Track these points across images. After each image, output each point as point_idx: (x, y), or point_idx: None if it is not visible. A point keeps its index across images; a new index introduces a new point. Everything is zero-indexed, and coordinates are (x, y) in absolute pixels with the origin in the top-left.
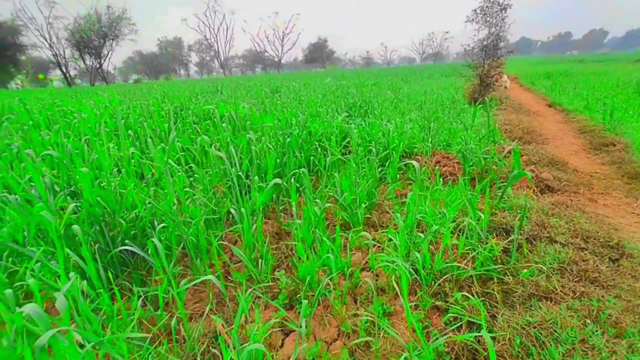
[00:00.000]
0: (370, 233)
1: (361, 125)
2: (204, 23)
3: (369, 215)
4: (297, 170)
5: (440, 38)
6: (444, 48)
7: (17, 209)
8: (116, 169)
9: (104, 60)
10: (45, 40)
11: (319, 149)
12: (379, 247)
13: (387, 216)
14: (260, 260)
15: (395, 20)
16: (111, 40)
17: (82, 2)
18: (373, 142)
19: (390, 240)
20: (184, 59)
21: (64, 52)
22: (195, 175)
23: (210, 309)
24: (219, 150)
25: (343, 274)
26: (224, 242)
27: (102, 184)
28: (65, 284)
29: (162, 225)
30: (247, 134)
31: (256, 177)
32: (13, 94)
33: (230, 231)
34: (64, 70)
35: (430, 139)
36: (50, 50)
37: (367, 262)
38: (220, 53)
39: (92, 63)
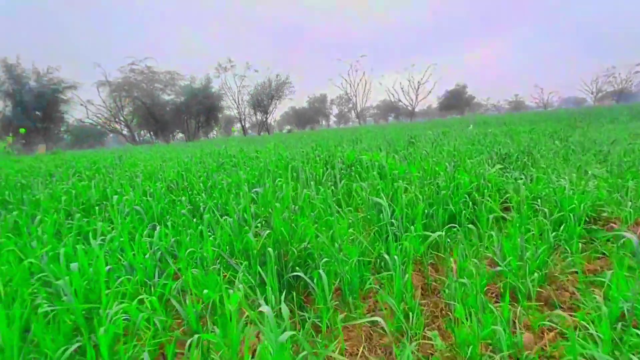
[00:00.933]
0: (543, 311)
1: (521, 179)
2: (346, 80)
3: (540, 289)
4: (452, 225)
5: (628, 72)
6: (633, 84)
7: (231, 229)
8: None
9: (269, 115)
10: (235, 102)
11: (469, 202)
12: (559, 332)
13: (566, 294)
14: (411, 314)
15: (551, 58)
16: (276, 100)
17: (260, 73)
18: (539, 200)
19: (578, 327)
20: (327, 111)
21: (244, 110)
22: (350, 219)
23: (362, 351)
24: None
25: (514, 357)
26: (373, 286)
27: (283, 217)
28: (263, 294)
29: (325, 259)
30: (394, 181)
31: (408, 226)
32: (215, 142)
33: (376, 278)
34: (242, 124)
35: (629, 203)
36: (237, 110)
37: (545, 348)
38: (357, 105)
39: (261, 117)
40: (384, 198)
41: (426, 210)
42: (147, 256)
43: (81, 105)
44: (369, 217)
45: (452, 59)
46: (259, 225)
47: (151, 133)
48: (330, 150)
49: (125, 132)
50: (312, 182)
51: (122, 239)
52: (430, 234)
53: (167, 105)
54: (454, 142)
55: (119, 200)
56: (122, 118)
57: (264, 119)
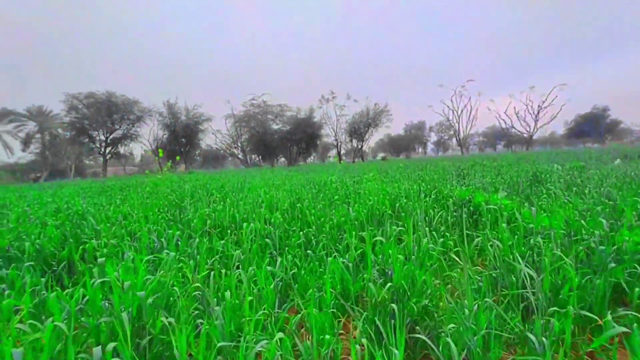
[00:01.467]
0: None
1: None
2: (448, 107)
3: None
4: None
5: None
6: None
7: (348, 272)
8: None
9: (365, 142)
10: (333, 130)
11: None
12: None
13: None
14: None
15: None
16: (372, 128)
17: (359, 103)
18: None
19: None
20: (424, 139)
21: (340, 137)
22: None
23: None
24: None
25: None
26: None
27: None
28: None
29: (452, 325)
30: (525, 233)
31: (554, 298)
32: (313, 167)
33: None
34: (338, 150)
35: None
36: (334, 137)
37: None
38: (460, 131)
39: (356, 145)
40: (519, 258)
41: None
42: (272, 286)
43: (212, 133)
44: (496, 276)
45: (581, 77)
46: (375, 272)
47: (260, 157)
48: (436, 185)
49: (240, 155)
50: (424, 226)
51: (253, 268)
52: (590, 314)
53: (276, 134)
54: (598, 182)
55: (247, 227)
56: (239, 144)
57: (359, 146)
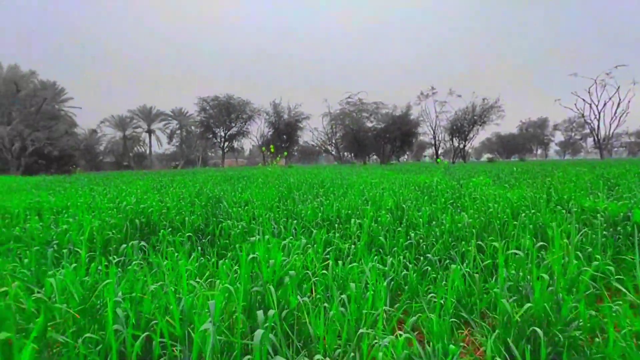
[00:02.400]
0: None
1: None
2: (584, 100)
3: None
4: None
5: None
6: None
7: (472, 281)
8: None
9: (468, 142)
10: (431, 128)
11: None
12: None
13: None
14: None
15: None
16: (478, 126)
17: (463, 99)
18: None
19: None
20: (545, 139)
21: (439, 136)
22: None
23: None
24: None
25: None
26: None
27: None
28: None
29: None
30: None
31: None
32: (407, 167)
33: None
34: (436, 149)
35: None
36: (432, 136)
37: None
38: (599, 130)
39: (457, 144)
40: None
41: None
42: (384, 284)
43: (310, 131)
44: None
45: None
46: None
47: (352, 154)
48: (572, 196)
49: (333, 152)
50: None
51: (361, 263)
52: None
53: (369, 131)
54: None
55: (354, 223)
56: (333, 141)
57: (461, 146)
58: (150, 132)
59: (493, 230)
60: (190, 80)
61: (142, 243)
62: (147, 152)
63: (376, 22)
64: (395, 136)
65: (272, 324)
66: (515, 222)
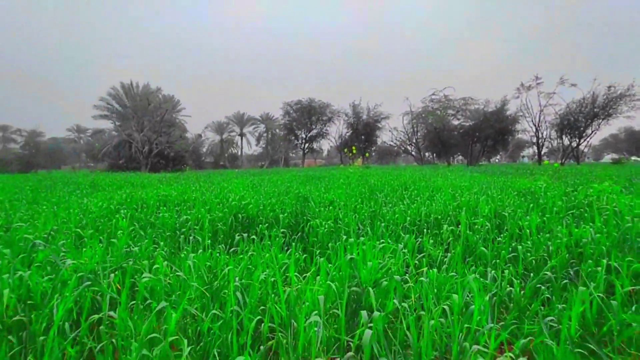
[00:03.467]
0: None
1: None
2: None
3: None
4: None
5: None
6: None
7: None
8: None
9: (584, 139)
10: (534, 125)
11: None
12: None
13: None
14: None
15: None
16: (600, 120)
17: (579, 88)
18: None
19: None
20: None
21: (544, 133)
22: None
23: None
24: None
25: None
26: None
27: None
28: None
29: None
30: None
31: None
32: (506, 167)
33: None
34: (539, 148)
35: None
36: (535, 134)
37: None
38: None
39: (570, 142)
40: None
41: None
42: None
43: (389, 131)
44: None
45: None
46: None
47: (434, 155)
48: None
49: (413, 152)
50: None
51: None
52: None
53: (455, 130)
54: None
55: (447, 228)
56: (414, 141)
57: (574, 144)
58: (242, 135)
59: (631, 249)
60: (278, 86)
61: (245, 235)
62: (239, 153)
63: (468, 14)
64: (486, 134)
65: (371, 325)
66: None
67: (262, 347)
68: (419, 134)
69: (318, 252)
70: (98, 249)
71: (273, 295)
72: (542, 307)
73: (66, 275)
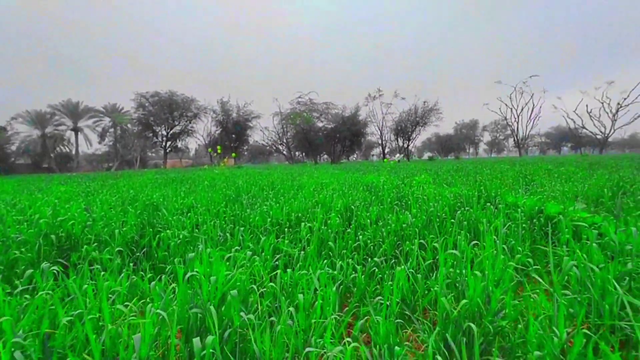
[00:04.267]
0: None
1: None
2: (506, 105)
3: None
4: None
5: None
6: None
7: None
8: None
9: (411, 141)
10: (378, 128)
11: None
12: None
13: None
14: None
15: None
16: (420, 127)
17: (407, 101)
18: None
19: None
20: (476, 139)
21: (386, 136)
22: None
23: None
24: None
25: None
26: None
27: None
28: None
29: (538, 353)
30: (619, 258)
31: None
32: (360, 165)
33: None
34: (383, 148)
35: None
36: (379, 136)
37: None
38: (518, 131)
39: (402, 143)
40: (615, 283)
41: None
42: (334, 289)
43: (260, 130)
44: (582, 302)
45: None
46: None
47: (303, 154)
48: (498, 192)
49: (285, 152)
50: (494, 239)
51: (309, 271)
52: None
53: (320, 131)
54: None
55: (305, 227)
56: (285, 141)
57: (405, 145)
58: (76, 130)
59: (433, 228)
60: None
61: (56, 265)
62: (74, 152)
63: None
64: (345, 136)
65: (212, 350)
66: (452, 220)
67: None
68: (288, 134)
69: (169, 269)
70: None
71: (86, 339)
72: (377, 287)
73: None
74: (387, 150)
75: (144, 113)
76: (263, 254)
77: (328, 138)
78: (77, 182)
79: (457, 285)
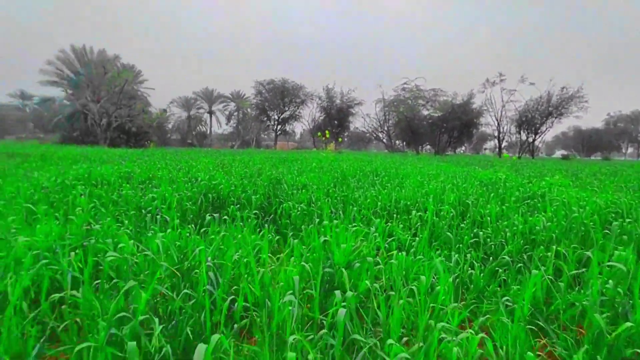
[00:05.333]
0: None
1: None
2: None
3: None
4: None
5: None
6: None
7: None
8: None
9: (539, 135)
10: (497, 119)
11: None
12: None
13: None
14: None
15: None
16: (553, 118)
17: (535, 86)
18: None
19: None
20: (639, 136)
21: (504, 128)
22: None
23: None
24: None
25: None
26: None
27: None
28: None
29: None
30: None
31: None
32: (470, 159)
33: None
34: (499, 142)
35: None
36: (496, 128)
37: None
38: None
39: (527, 137)
40: None
41: None
42: (450, 280)
43: (362, 117)
44: None
45: None
46: None
47: (404, 143)
48: None
49: (385, 140)
50: None
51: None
52: None
53: (425, 120)
54: None
55: (415, 215)
56: (386, 128)
57: (531, 140)
58: (211, 113)
59: (576, 237)
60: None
61: (217, 215)
62: (208, 131)
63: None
64: (453, 126)
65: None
66: (606, 231)
67: (235, 326)
68: (390, 122)
69: (291, 234)
70: (54, 226)
71: (246, 275)
72: (499, 288)
73: (20, 254)
74: (504, 144)
75: (261, 99)
76: (376, 234)
77: (433, 127)
78: (213, 156)
79: (616, 305)
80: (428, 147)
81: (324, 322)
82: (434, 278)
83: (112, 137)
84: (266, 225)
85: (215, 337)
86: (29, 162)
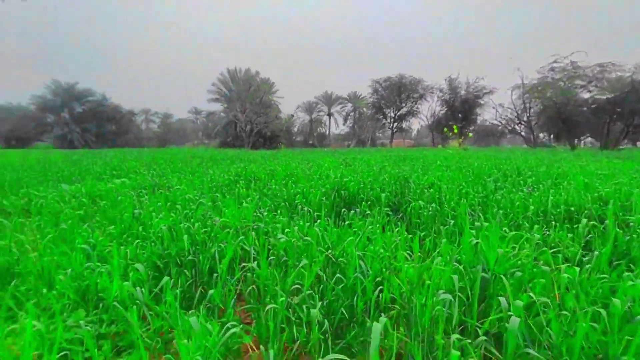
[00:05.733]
0: None
1: None
2: None
3: None
4: None
5: None
6: None
7: None
8: None
9: None
10: None
11: None
12: None
13: None
14: None
15: None
16: None
17: None
18: None
19: None
20: None
21: None
22: None
23: None
24: None
25: None
26: None
27: None
28: None
29: None
30: None
31: None
32: None
33: None
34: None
35: None
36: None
37: None
38: None
39: None
40: None
41: None
42: None
43: (492, 107)
44: None
45: None
46: None
47: (551, 136)
48: None
49: (523, 133)
50: None
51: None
52: None
53: (585, 105)
54: None
55: (585, 224)
56: (525, 119)
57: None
58: (330, 114)
59: None
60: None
61: (352, 212)
62: (327, 132)
63: None
64: (632, 110)
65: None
66: None
67: (382, 315)
68: (531, 111)
69: (422, 234)
70: (236, 211)
71: (389, 269)
72: None
73: (218, 231)
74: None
75: (377, 97)
76: (539, 241)
77: (598, 114)
78: (334, 155)
79: None
80: (589, 139)
81: (478, 329)
82: (629, 305)
83: (253, 141)
84: (399, 223)
85: (383, 320)
86: (205, 162)
